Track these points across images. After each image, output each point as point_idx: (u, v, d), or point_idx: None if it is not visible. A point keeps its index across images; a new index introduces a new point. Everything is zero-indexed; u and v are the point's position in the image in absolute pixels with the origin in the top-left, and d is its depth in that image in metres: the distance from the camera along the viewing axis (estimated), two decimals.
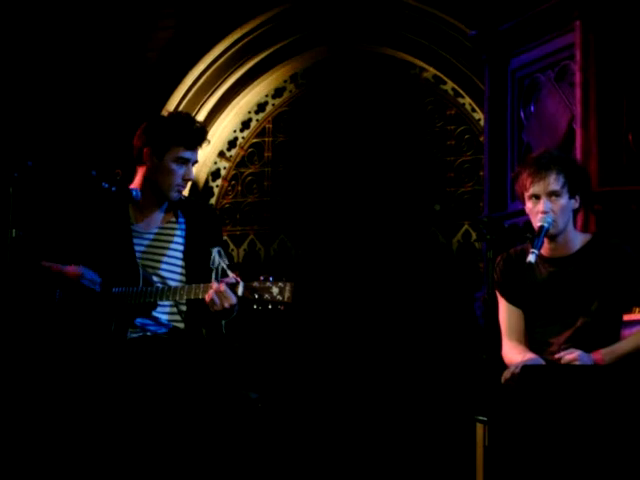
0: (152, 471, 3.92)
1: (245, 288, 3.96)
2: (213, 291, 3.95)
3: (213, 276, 3.98)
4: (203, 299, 3.99)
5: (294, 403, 6.79)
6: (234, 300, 3.96)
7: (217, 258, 3.99)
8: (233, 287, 3.96)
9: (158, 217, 4.26)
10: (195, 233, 4.24)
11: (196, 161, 4.26)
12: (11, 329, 3.99)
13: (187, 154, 4.20)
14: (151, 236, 4.23)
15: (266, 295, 3.94)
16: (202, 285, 4.01)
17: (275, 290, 3.94)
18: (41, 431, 4.00)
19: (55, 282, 4.07)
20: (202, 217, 4.30)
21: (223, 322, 4.13)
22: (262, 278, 3.96)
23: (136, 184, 4.24)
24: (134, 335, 4.11)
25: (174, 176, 4.18)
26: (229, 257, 4.06)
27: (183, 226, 4.25)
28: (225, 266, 3.98)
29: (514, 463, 3.73)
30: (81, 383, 3.97)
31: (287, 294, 3.94)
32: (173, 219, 4.27)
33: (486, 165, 5.83)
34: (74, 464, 3.94)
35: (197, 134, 4.23)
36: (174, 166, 4.18)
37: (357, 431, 6.65)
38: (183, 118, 4.30)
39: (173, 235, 4.24)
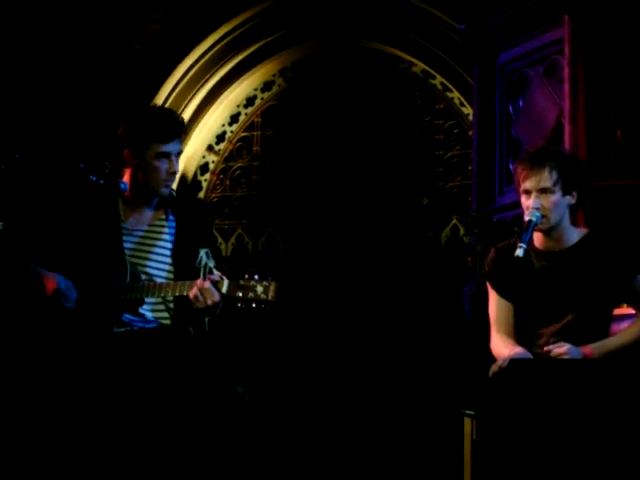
0: (138, 464, 3.92)
1: (229, 286, 3.95)
2: (197, 288, 3.94)
3: (200, 275, 3.97)
4: (188, 296, 3.98)
5: (281, 397, 6.79)
6: (217, 297, 3.94)
7: (204, 259, 3.99)
8: (217, 284, 3.95)
9: (148, 214, 4.21)
10: (185, 232, 4.19)
11: (180, 152, 4.18)
12: None
13: (166, 148, 4.11)
14: (140, 233, 4.18)
15: (250, 293, 3.93)
16: (187, 282, 3.99)
17: (259, 289, 3.92)
18: (24, 425, 3.99)
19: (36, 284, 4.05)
20: (193, 216, 4.24)
21: (206, 319, 4.12)
22: (247, 276, 3.94)
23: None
24: (120, 330, 4.09)
25: (159, 172, 4.11)
26: (217, 258, 4.04)
27: (173, 224, 4.21)
28: (211, 267, 3.98)
29: (502, 457, 3.73)
30: (67, 378, 3.96)
31: (271, 293, 3.92)
32: (163, 217, 4.22)
33: (474, 160, 5.82)
34: (59, 459, 3.93)
35: (170, 126, 4.14)
36: (156, 163, 4.10)
37: (345, 425, 6.65)
38: (154, 113, 4.23)
39: (162, 233, 4.20)
